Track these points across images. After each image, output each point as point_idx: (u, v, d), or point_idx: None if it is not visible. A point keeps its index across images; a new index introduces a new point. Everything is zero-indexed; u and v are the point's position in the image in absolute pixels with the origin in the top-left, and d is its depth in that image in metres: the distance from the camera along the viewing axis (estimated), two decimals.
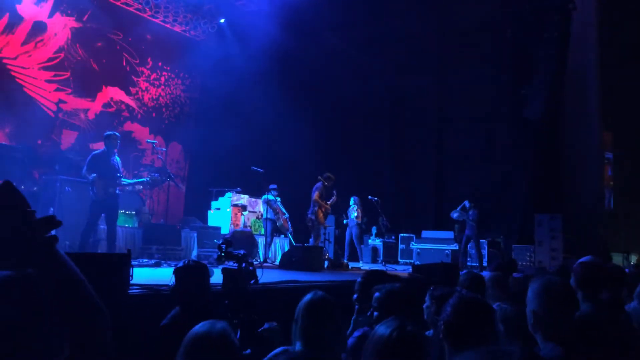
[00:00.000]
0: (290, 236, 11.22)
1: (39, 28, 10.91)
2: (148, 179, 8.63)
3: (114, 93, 12.67)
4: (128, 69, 13.05)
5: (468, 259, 13.06)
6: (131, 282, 4.09)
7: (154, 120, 13.53)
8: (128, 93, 13.04)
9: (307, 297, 2.63)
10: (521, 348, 1.10)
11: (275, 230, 10.94)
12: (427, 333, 2.86)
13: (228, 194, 11.67)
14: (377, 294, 2.98)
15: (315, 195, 10.54)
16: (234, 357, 1.97)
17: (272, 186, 10.76)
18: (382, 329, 1.81)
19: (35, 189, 9.07)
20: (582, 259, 3.38)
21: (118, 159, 8.10)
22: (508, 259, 11.79)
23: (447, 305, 2.22)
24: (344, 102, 17.25)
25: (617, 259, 15.40)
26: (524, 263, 12.84)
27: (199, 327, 1.99)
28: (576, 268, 3.29)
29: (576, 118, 15.86)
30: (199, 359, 1.92)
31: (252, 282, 4.66)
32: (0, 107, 10.05)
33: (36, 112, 10.81)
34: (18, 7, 10.53)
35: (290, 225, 11.03)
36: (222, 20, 14.36)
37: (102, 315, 1.27)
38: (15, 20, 10.47)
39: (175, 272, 3.52)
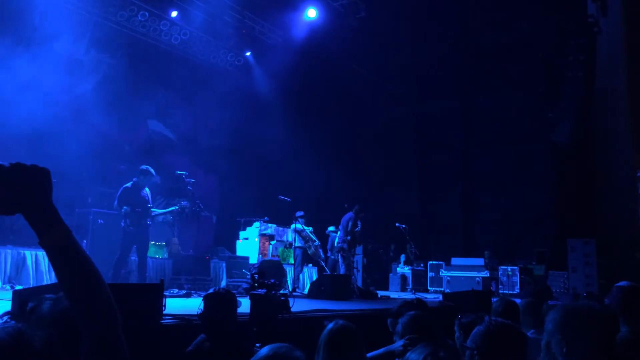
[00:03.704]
0: (322, 263, 11.19)
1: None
2: (177, 207, 8.75)
3: (153, 125, 13.04)
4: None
5: (500, 287, 12.82)
6: (164, 312, 4.13)
7: (190, 152, 13.75)
8: (166, 125, 13.37)
9: (328, 327, 2.62)
10: None
11: (306, 259, 10.93)
12: None
13: (256, 224, 11.74)
14: (402, 319, 2.96)
15: (349, 224, 10.58)
16: None
17: (299, 213, 10.80)
18: (414, 356, 1.81)
19: (69, 222, 9.28)
20: (619, 283, 3.32)
21: (147, 189, 8.24)
22: (542, 285, 11.54)
23: (475, 331, 2.19)
24: (369, 129, 17.35)
25: None
26: (558, 290, 12.52)
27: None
28: (614, 292, 3.24)
29: (605, 139, 15.60)
30: None
31: (284, 313, 4.68)
32: None
33: None
34: None
35: (322, 253, 11.03)
36: (248, 54, 14.68)
37: (117, 314, 1.27)
38: None
39: (205, 299, 3.57)
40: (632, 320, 3.12)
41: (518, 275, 12.95)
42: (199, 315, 3.55)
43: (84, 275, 1.24)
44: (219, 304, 3.53)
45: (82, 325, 1.23)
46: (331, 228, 11.26)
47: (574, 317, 2.28)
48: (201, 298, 3.71)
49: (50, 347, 1.13)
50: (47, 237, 1.23)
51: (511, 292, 12.27)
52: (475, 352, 2.15)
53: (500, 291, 12.44)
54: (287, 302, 3.88)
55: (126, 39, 12.28)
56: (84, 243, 8.84)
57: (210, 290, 3.71)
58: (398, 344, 3.08)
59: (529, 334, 3.47)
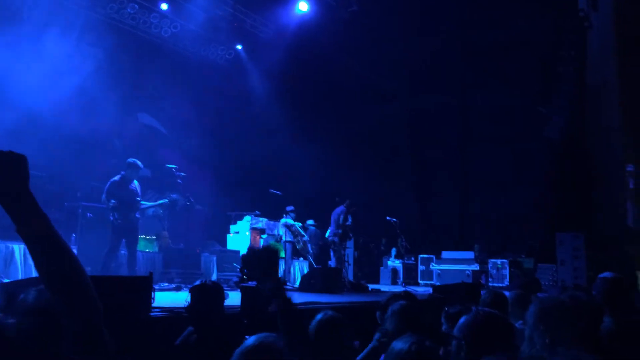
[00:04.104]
0: (310, 258, 11.21)
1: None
2: (167, 200, 8.72)
3: (143, 119, 12.93)
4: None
5: (490, 279, 12.90)
6: (153, 304, 4.12)
7: (182, 146, 13.66)
8: (157, 118, 13.28)
9: (317, 317, 2.63)
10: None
11: (295, 253, 10.95)
12: None
13: (247, 218, 11.72)
14: (389, 310, 2.97)
15: (340, 218, 10.60)
16: None
17: (289, 208, 10.81)
18: (399, 344, 1.81)
19: (58, 216, 9.22)
20: (602, 274, 3.35)
21: (136, 182, 8.21)
22: (531, 278, 11.63)
23: (462, 321, 2.19)
24: (363, 123, 17.33)
25: None
26: (547, 282, 12.62)
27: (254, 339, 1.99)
28: (597, 283, 3.27)
29: (598, 134, 15.70)
30: None
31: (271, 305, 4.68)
32: None
33: None
34: None
35: (310, 248, 11.04)
36: (240, 47, 14.62)
37: (98, 304, 1.25)
38: None
39: (191, 291, 3.56)
40: (615, 311, 3.15)
41: (508, 268, 13.05)
42: (186, 308, 3.54)
43: (63, 264, 1.22)
44: (206, 296, 3.52)
45: (64, 314, 1.21)
46: (310, 222, 11.23)
47: (557, 309, 2.29)
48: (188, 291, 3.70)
49: (24, 335, 1.12)
50: (25, 225, 1.21)
51: (500, 284, 12.34)
52: (462, 341, 2.16)
53: (490, 284, 12.52)
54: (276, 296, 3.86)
55: (116, 32, 12.17)
56: (73, 237, 8.80)
57: (197, 283, 3.70)
58: (375, 338, 3.09)
59: (517, 324, 3.49)
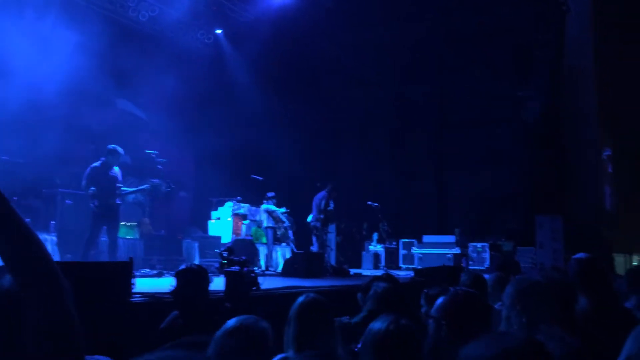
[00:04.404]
0: (292, 244, 11.23)
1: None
2: (147, 186, 8.64)
3: (122, 104, 12.74)
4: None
5: (470, 262, 13.07)
6: (133, 290, 4.11)
7: (162, 132, 13.51)
8: (136, 104, 13.10)
9: (299, 299, 2.64)
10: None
11: (277, 239, 10.97)
12: None
13: (228, 204, 11.69)
14: (371, 291, 3.00)
15: (322, 203, 10.62)
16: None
17: (270, 194, 10.80)
18: (377, 324, 1.84)
19: (36, 203, 9.10)
20: (576, 255, 3.40)
21: (117, 168, 8.12)
22: (511, 260, 11.79)
23: (440, 301, 2.22)
24: (343, 108, 17.33)
25: (619, 259, 15.32)
26: (526, 265, 12.82)
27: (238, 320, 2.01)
28: (572, 264, 3.32)
29: (574, 118, 15.90)
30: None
31: (254, 288, 4.71)
32: None
33: None
34: None
35: (291, 234, 11.06)
36: (219, 31, 14.45)
37: (64, 284, 1.19)
38: None
39: (177, 275, 3.57)
40: (590, 291, 3.21)
41: (488, 251, 13.24)
42: (172, 292, 3.55)
43: (23, 243, 1.17)
44: (192, 279, 3.54)
45: (26, 297, 1.15)
46: (282, 210, 11.19)
47: (533, 289, 2.34)
48: (173, 275, 3.70)
49: None
50: None
51: (481, 267, 12.52)
52: (441, 322, 2.19)
53: (470, 267, 12.68)
54: (255, 279, 3.89)
55: (93, 16, 11.95)
56: (52, 224, 8.69)
57: (182, 267, 3.71)
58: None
59: (496, 306, 3.55)
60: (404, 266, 14.27)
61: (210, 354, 1.94)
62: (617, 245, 16.99)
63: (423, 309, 3.32)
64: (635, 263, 16.09)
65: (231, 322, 2.01)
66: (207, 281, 3.67)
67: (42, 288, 1.16)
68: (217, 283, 4.91)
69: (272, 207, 10.71)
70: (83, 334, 1.19)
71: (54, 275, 1.18)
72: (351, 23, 15.49)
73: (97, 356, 1.39)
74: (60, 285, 1.18)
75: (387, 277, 4.13)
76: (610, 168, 19.52)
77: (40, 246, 1.19)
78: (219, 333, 1.99)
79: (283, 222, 10.94)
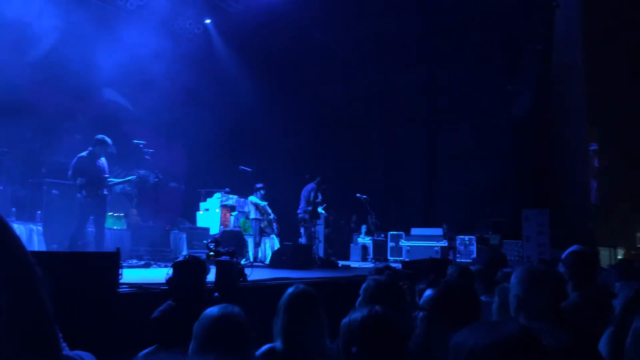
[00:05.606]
0: (275, 238, 11.18)
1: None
2: (135, 176, 8.57)
3: (109, 94, 12.59)
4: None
5: (457, 255, 13.16)
6: (121, 281, 4.08)
7: (150, 122, 13.39)
8: (122, 94, 12.95)
9: (289, 291, 2.64)
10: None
11: (262, 231, 10.94)
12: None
13: (217, 195, 11.64)
14: (364, 285, 3.01)
15: (310, 195, 10.62)
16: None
17: (258, 185, 10.77)
18: (355, 314, 1.87)
19: (22, 193, 9.00)
20: (571, 248, 3.43)
21: (104, 159, 8.05)
22: (497, 253, 11.87)
23: (429, 293, 2.24)
24: (332, 100, 17.29)
25: (604, 253, 15.50)
26: (513, 258, 12.94)
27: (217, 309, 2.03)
28: (567, 256, 3.35)
29: (562, 113, 16.00)
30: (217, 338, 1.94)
31: (240, 279, 4.70)
32: None
33: None
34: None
35: (276, 227, 11.03)
36: (208, 21, 14.33)
37: (33, 266, 1.11)
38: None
39: (174, 266, 3.57)
40: (581, 284, 3.24)
41: (475, 244, 13.32)
42: (167, 281, 3.54)
43: None
44: (190, 271, 3.54)
45: None
46: (264, 202, 11.15)
47: (529, 276, 2.36)
48: (163, 268, 3.69)
49: None
50: None
51: (468, 260, 12.59)
52: (429, 313, 2.20)
53: (457, 259, 12.77)
54: (242, 270, 3.89)
55: (80, 3, 11.78)
56: (38, 214, 8.61)
57: (180, 258, 3.73)
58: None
59: (482, 298, 3.57)
60: (391, 258, 14.31)
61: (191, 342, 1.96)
62: (603, 239, 17.20)
63: (415, 299, 3.35)
64: (619, 257, 16.29)
65: (213, 311, 2.03)
66: (205, 273, 3.68)
67: (9, 274, 1.09)
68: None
69: (257, 200, 10.69)
70: (57, 326, 1.13)
71: (23, 260, 1.11)
72: (341, 14, 15.42)
73: (77, 351, 1.33)
74: (30, 272, 1.11)
75: (387, 268, 4.16)
76: (597, 162, 19.71)
77: (5, 229, 1.11)
78: (200, 321, 2.00)
79: (269, 214, 10.91)
